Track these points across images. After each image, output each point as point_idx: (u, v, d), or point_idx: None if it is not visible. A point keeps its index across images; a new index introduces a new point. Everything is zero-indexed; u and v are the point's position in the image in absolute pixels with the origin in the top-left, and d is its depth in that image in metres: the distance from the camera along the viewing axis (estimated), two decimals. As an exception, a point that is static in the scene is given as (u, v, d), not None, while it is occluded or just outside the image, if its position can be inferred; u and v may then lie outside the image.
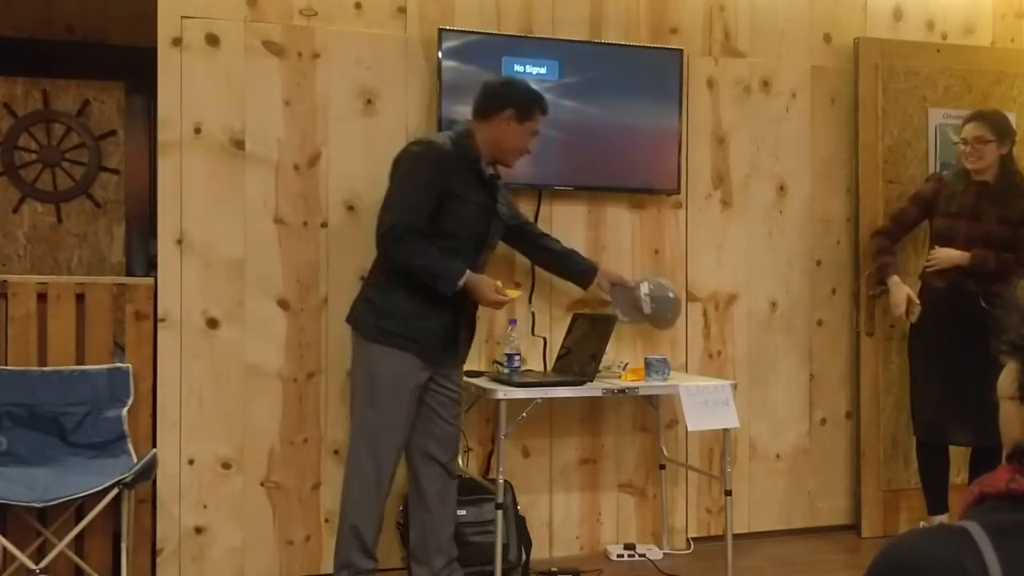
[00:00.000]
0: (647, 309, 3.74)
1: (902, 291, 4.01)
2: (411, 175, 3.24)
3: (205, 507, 3.61)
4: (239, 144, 3.66)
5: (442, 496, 3.47)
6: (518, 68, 3.84)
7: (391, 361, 3.27)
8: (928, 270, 4.00)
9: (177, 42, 3.60)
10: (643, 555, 3.99)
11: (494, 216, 3.41)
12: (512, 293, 3.46)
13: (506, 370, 3.74)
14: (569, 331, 3.86)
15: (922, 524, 4.14)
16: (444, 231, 3.24)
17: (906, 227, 4.19)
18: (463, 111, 3.80)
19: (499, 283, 3.32)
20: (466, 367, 3.86)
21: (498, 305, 3.40)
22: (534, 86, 3.57)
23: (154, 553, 3.57)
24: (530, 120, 3.35)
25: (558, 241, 3.82)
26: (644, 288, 3.78)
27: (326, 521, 3.75)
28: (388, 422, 3.30)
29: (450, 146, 3.28)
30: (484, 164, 3.36)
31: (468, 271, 3.23)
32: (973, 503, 0.94)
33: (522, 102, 3.33)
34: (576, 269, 3.80)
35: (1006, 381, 1.02)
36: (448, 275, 3.19)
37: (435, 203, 3.22)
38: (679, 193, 4.17)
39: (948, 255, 3.92)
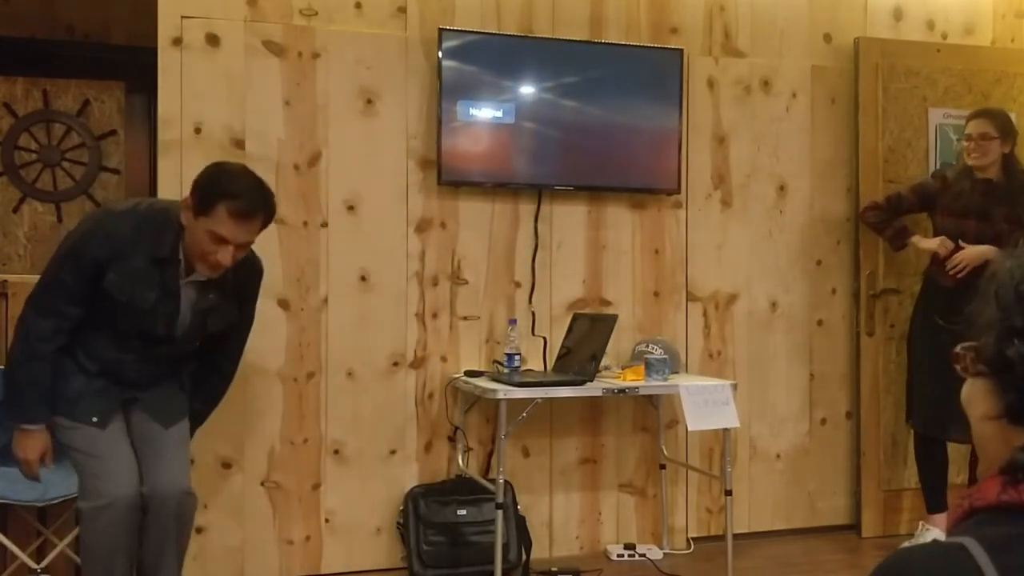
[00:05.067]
0: None
1: (933, 240, 4.02)
2: None
3: (205, 507, 3.61)
4: (239, 144, 3.66)
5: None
6: (473, 111, 3.82)
7: None
8: (958, 276, 3.86)
9: (177, 42, 3.60)
10: (643, 555, 3.99)
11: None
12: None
13: (506, 370, 3.74)
14: (569, 331, 3.86)
15: (921, 524, 4.14)
16: None
17: (899, 212, 4.17)
18: (463, 111, 3.81)
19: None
20: (466, 367, 3.88)
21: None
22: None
23: (154, 553, 3.57)
24: (205, 216, 2.59)
25: (213, 382, 3.11)
26: None
27: (326, 521, 3.75)
28: None
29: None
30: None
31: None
32: (963, 517, 0.92)
33: (201, 190, 2.62)
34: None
35: (977, 399, 0.96)
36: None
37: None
38: (679, 193, 4.17)
39: (977, 253, 3.84)
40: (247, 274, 2.91)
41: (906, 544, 4.09)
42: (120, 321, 2.73)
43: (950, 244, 3.94)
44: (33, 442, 2.73)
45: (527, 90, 3.90)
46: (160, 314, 2.73)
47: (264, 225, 2.71)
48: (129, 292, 2.66)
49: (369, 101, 3.80)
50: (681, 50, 4.12)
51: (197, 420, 3.08)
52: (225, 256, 2.63)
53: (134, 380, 2.84)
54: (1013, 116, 4.15)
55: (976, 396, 0.97)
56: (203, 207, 2.59)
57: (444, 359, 3.90)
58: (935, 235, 4.08)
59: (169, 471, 2.80)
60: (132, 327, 2.74)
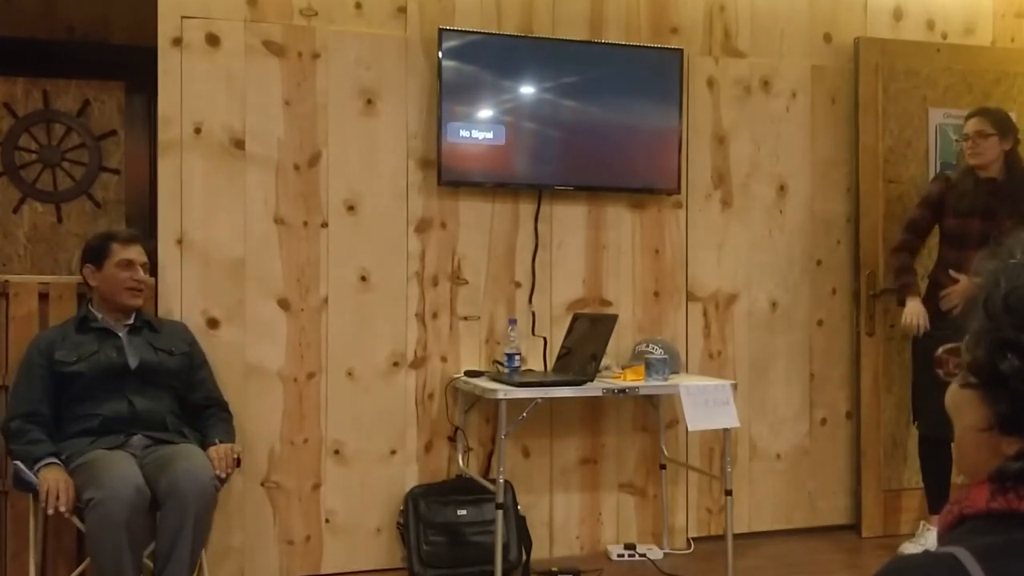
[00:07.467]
0: None
1: (916, 313, 3.97)
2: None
3: (205, 507, 3.61)
4: (239, 144, 3.66)
5: None
6: (464, 133, 3.81)
7: None
8: (944, 308, 3.87)
9: (177, 42, 3.60)
10: (643, 555, 3.99)
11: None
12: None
13: (506, 370, 3.74)
14: (569, 331, 3.86)
15: (922, 524, 4.14)
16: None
17: (923, 234, 4.14)
18: (463, 111, 3.81)
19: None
20: (466, 367, 3.88)
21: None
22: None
23: (154, 553, 3.57)
24: (106, 260, 3.25)
25: (215, 432, 3.30)
26: None
27: (326, 521, 3.75)
28: None
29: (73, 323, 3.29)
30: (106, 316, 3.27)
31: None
32: (953, 524, 0.91)
33: (91, 250, 3.30)
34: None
35: (967, 409, 0.94)
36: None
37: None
38: (679, 193, 4.17)
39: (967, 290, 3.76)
40: (170, 329, 3.41)
41: (903, 547, 4.08)
42: (87, 376, 3.14)
43: (921, 321, 3.94)
44: (54, 474, 2.93)
45: (527, 90, 3.90)
46: (108, 348, 3.20)
47: (146, 248, 3.36)
48: (76, 353, 3.17)
49: (369, 101, 3.80)
50: (681, 50, 4.12)
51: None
52: (137, 273, 3.27)
53: (134, 417, 3.15)
54: (1013, 116, 4.15)
55: (965, 406, 0.95)
56: (101, 257, 3.26)
57: (444, 359, 3.90)
58: (942, 236, 4.06)
59: (187, 465, 2.97)
60: (96, 374, 3.15)
